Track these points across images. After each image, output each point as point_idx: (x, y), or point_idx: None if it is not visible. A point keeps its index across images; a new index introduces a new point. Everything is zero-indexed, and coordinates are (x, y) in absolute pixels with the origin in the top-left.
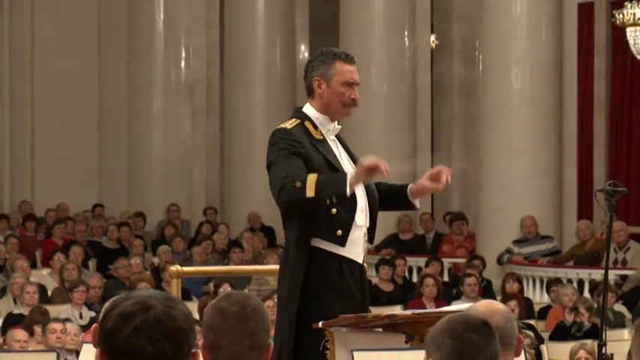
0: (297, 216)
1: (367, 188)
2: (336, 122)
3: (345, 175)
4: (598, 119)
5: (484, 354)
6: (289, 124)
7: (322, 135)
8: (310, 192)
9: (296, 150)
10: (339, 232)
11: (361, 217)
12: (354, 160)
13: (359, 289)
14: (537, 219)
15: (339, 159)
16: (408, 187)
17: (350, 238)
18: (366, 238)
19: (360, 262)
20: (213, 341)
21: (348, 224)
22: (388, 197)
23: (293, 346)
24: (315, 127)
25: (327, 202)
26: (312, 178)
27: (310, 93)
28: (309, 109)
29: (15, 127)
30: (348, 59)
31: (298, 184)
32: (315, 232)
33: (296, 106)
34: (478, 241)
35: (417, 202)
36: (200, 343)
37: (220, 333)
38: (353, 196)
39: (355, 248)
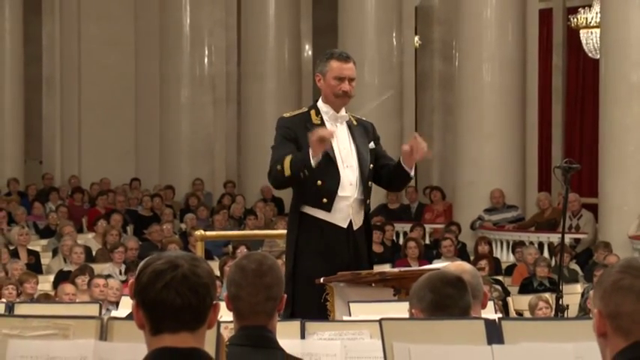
0: (293, 188)
1: (360, 164)
2: (342, 110)
3: (308, 151)
4: (556, 107)
5: (459, 305)
6: (290, 113)
7: (321, 120)
8: (287, 171)
9: (287, 135)
10: (325, 200)
11: (349, 190)
12: (356, 143)
13: (347, 251)
14: (504, 191)
15: (332, 140)
16: (400, 159)
17: (335, 206)
18: (353, 207)
19: (344, 227)
20: (234, 293)
21: (332, 193)
22: (390, 176)
23: (291, 296)
24: (318, 114)
25: (302, 175)
26: (287, 160)
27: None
28: (319, 100)
29: (65, 114)
30: (342, 57)
31: (279, 167)
32: (304, 200)
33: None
34: (454, 210)
35: (411, 172)
36: (225, 294)
37: (241, 286)
38: (337, 171)
39: (339, 215)
